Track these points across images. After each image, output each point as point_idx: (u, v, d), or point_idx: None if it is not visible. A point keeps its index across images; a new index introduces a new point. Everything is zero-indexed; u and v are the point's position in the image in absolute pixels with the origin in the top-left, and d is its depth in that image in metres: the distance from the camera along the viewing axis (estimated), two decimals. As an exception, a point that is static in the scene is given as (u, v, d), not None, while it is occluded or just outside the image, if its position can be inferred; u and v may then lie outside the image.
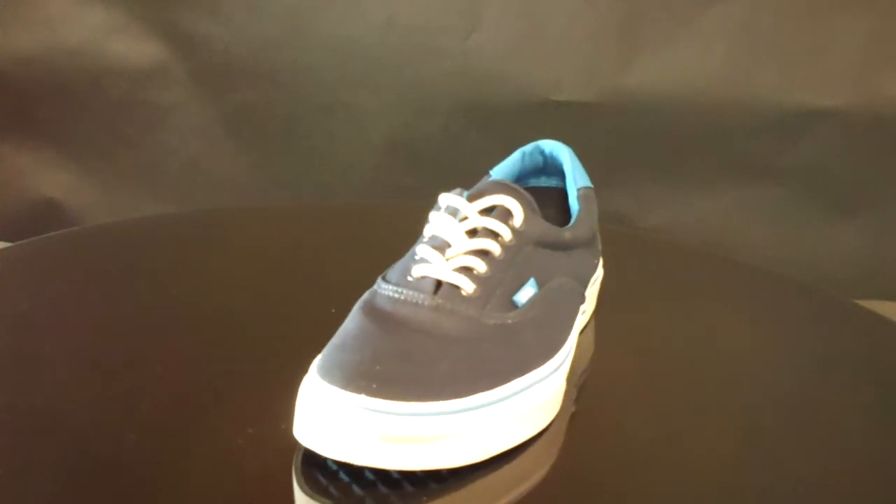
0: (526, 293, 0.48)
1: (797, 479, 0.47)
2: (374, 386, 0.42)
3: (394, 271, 0.48)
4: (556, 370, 0.48)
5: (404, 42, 1.43)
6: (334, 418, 0.41)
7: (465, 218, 0.49)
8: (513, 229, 0.49)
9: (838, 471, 0.49)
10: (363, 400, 0.41)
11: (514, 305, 0.47)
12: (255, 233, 0.77)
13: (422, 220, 0.51)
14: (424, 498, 0.43)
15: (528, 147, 0.62)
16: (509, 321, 0.47)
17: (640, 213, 1.48)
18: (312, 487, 0.43)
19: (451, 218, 0.49)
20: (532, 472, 0.46)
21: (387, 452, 0.42)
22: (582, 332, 0.58)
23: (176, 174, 1.54)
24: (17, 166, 1.54)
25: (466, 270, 0.47)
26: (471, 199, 0.49)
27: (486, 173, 0.61)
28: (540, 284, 0.49)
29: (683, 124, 1.43)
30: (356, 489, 0.43)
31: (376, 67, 1.45)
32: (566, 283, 0.51)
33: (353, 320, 0.46)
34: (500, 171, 0.61)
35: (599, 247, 0.60)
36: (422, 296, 0.46)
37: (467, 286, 0.46)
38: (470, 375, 0.44)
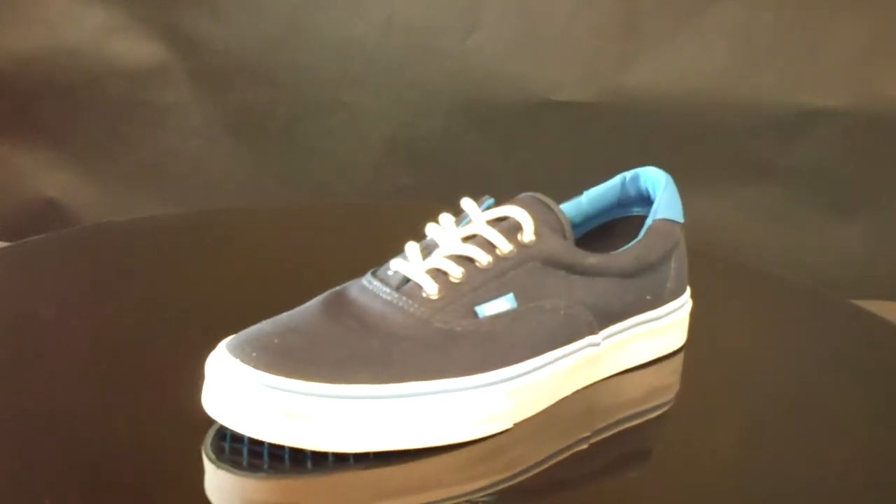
0: (495, 306, 0.47)
1: (796, 479, 0.47)
2: (254, 354, 0.43)
3: (384, 266, 0.49)
4: (487, 385, 0.46)
5: (404, 42, 1.43)
6: (216, 380, 0.44)
7: (471, 223, 0.49)
8: (517, 243, 0.48)
9: (838, 471, 0.49)
10: (237, 365, 0.43)
11: (475, 315, 0.47)
12: (255, 233, 0.77)
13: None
14: (294, 472, 0.43)
15: (630, 174, 0.58)
16: (458, 329, 0.46)
17: (640, 213, 1.48)
18: (214, 446, 0.45)
19: (452, 222, 0.49)
20: (433, 477, 0.45)
21: (260, 421, 0.43)
22: (640, 367, 0.55)
23: (176, 174, 1.54)
24: (17, 166, 1.54)
25: (439, 273, 0.47)
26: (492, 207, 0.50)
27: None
28: (526, 302, 0.48)
29: (683, 124, 1.43)
30: (244, 453, 0.44)
31: (376, 67, 1.45)
32: (567, 307, 0.49)
33: (312, 301, 0.48)
34: (594, 194, 0.58)
35: (669, 285, 0.55)
36: (385, 289, 0.47)
37: (430, 288, 0.46)
38: (360, 366, 0.44)
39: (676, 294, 0.56)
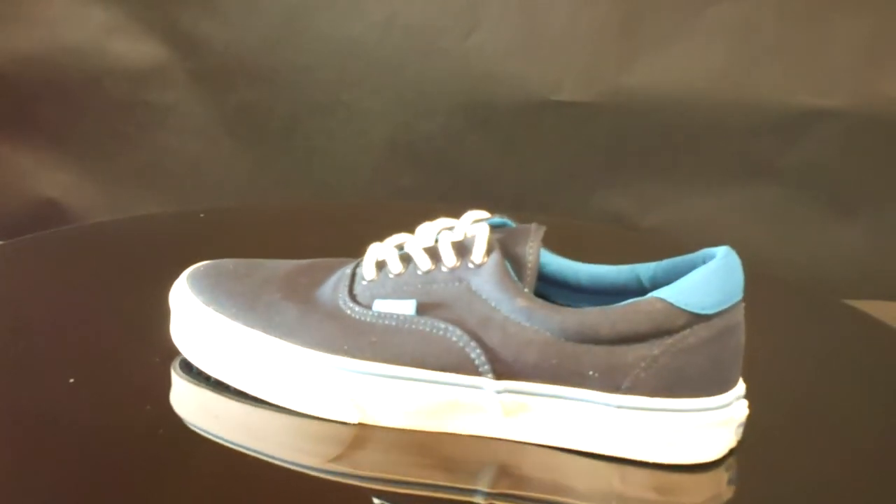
0: (392, 305, 0.48)
1: (794, 480, 0.47)
2: (202, 269, 0.52)
3: None
4: (328, 366, 0.48)
5: (404, 42, 1.43)
6: (171, 303, 0.52)
7: (450, 232, 0.50)
8: (464, 262, 0.48)
9: (836, 472, 0.49)
10: (185, 291, 0.51)
11: (371, 307, 0.49)
12: (255, 233, 0.77)
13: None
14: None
15: (712, 251, 0.50)
16: (347, 311, 0.49)
17: (640, 213, 1.48)
18: (182, 368, 0.52)
19: (438, 227, 0.51)
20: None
21: (180, 331, 0.52)
22: (614, 461, 0.47)
23: (176, 174, 1.54)
24: (17, 166, 1.54)
25: (383, 265, 0.50)
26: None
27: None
28: (426, 314, 0.47)
29: (683, 124, 1.43)
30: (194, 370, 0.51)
31: (376, 67, 1.45)
32: (460, 336, 0.47)
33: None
34: (671, 264, 0.51)
35: (642, 375, 0.46)
36: (349, 266, 0.51)
37: (369, 275, 0.50)
38: (237, 301, 0.50)
39: (663, 392, 0.46)
